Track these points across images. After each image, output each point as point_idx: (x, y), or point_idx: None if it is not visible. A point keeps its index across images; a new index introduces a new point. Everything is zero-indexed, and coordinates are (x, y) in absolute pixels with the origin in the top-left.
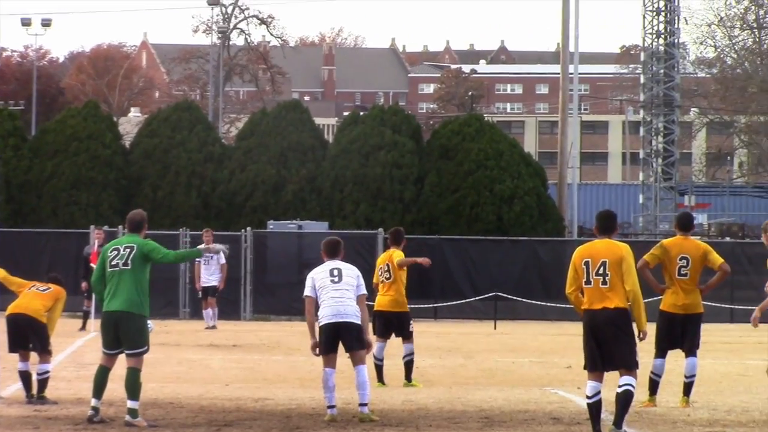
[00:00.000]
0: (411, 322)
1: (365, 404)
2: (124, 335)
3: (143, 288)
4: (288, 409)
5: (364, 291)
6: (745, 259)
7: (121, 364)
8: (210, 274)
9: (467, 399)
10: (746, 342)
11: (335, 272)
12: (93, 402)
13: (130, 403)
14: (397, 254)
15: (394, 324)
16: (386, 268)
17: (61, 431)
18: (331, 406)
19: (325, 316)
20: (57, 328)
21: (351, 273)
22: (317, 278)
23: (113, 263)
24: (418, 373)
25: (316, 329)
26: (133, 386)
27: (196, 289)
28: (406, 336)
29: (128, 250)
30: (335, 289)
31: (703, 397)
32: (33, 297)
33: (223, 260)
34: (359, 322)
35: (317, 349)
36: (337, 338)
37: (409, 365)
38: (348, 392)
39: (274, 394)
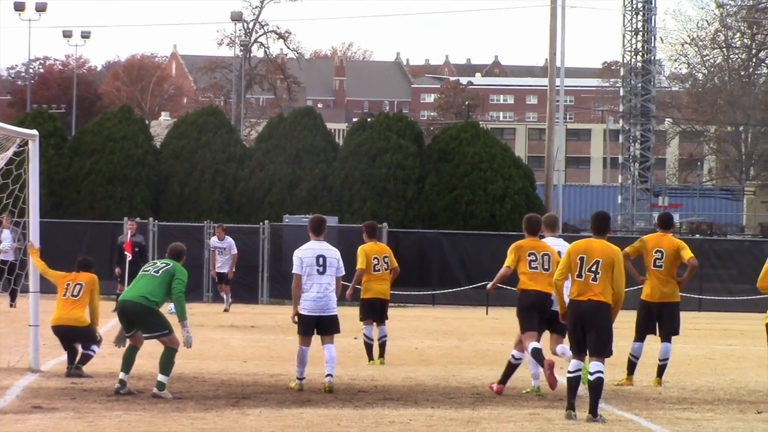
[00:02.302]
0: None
1: (331, 375)
2: (138, 323)
3: (160, 292)
4: (314, 386)
5: (343, 272)
6: (713, 254)
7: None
8: (223, 263)
9: (461, 377)
10: (713, 329)
11: (320, 260)
12: (121, 375)
13: (159, 377)
14: (391, 254)
15: (384, 310)
16: (384, 260)
17: (95, 401)
18: (301, 378)
19: (308, 307)
20: None
21: (332, 260)
22: (305, 260)
23: (145, 270)
24: (417, 354)
25: (300, 306)
26: (164, 362)
27: (212, 275)
28: (384, 320)
29: (164, 264)
30: (320, 282)
31: (673, 378)
32: (71, 307)
33: (234, 251)
34: (336, 313)
35: (295, 318)
36: (315, 326)
37: (384, 345)
38: (354, 369)
39: (287, 371)
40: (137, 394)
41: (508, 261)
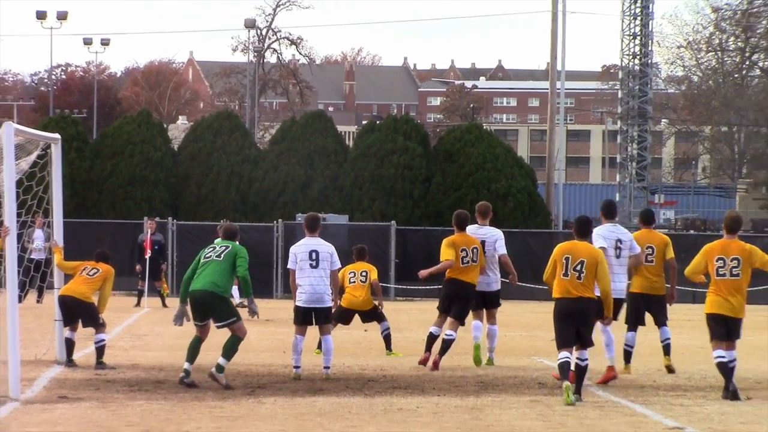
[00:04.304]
0: (380, 308)
1: (328, 367)
2: (212, 311)
3: (228, 276)
4: (312, 374)
5: (338, 266)
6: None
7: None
8: None
9: (466, 366)
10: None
11: (313, 255)
12: (185, 365)
13: (220, 359)
14: (374, 271)
15: (365, 316)
16: (363, 276)
17: (118, 391)
18: (297, 367)
19: (302, 299)
20: (115, 304)
21: (325, 255)
22: (299, 255)
23: (207, 256)
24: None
25: (297, 298)
26: (228, 348)
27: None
28: (380, 318)
29: (223, 248)
30: (312, 275)
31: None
32: (81, 282)
33: None
34: (330, 305)
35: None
36: (310, 317)
37: (387, 338)
38: (364, 360)
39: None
40: (197, 385)
41: (449, 255)
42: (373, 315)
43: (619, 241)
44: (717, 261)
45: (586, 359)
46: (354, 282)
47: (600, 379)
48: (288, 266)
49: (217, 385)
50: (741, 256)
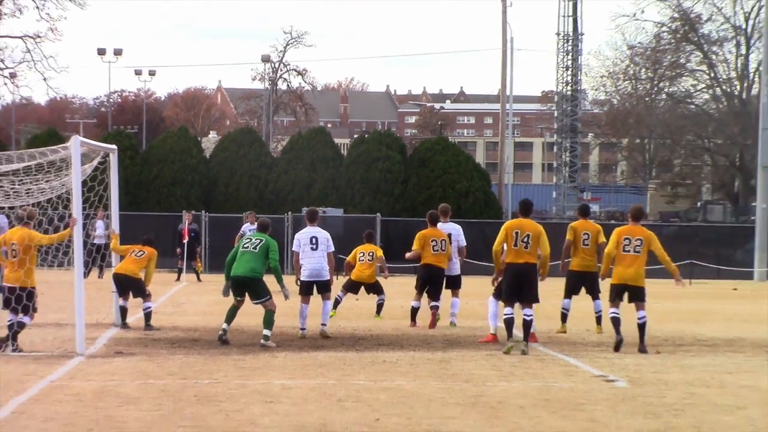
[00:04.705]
0: (385, 277)
1: (324, 324)
2: (250, 291)
3: (262, 264)
4: (316, 334)
5: (332, 248)
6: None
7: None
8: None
9: (435, 328)
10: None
11: (314, 240)
12: (224, 326)
13: (264, 331)
14: (379, 250)
15: (369, 288)
16: (370, 256)
17: (162, 348)
18: (303, 329)
19: (305, 275)
20: (160, 279)
21: (323, 239)
22: (302, 241)
23: (245, 247)
24: (403, 311)
25: (301, 275)
26: (267, 320)
27: None
28: (379, 291)
29: (258, 241)
30: (312, 256)
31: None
32: (131, 262)
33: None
34: (329, 277)
35: (298, 281)
36: (312, 288)
37: (380, 306)
38: (356, 323)
39: (307, 325)
40: (226, 341)
41: (416, 246)
42: (375, 287)
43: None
44: (624, 240)
45: (531, 315)
46: (363, 260)
47: (482, 339)
48: (293, 249)
49: (240, 342)
50: (643, 237)
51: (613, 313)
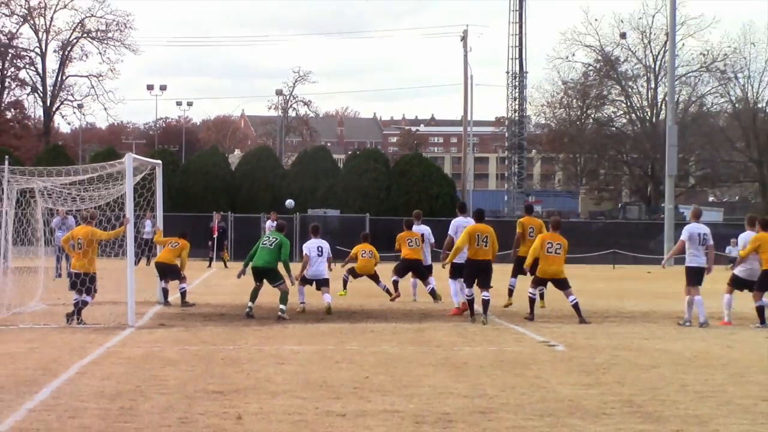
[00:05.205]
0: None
1: (329, 303)
2: (267, 278)
3: (276, 257)
4: (319, 310)
5: (330, 255)
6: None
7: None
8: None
9: (413, 305)
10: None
11: (320, 249)
12: (249, 304)
13: (281, 306)
14: (374, 250)
15: (370, 277)
16: (370, 253)
17: (197, 321)
18: (302, 303)
19: (310, 273)
20: (195, 266)
21: (326, 248)
22: (311, 249)
23: (264, 243)
24: (379, 291)
25: (305, 272)
26: (282, 299)
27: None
28: (378, 281)
29: (274, 239)
30: (318, 261)
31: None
32: (167, 251)
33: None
34: (327, 277)
35: (299, 277)
36: (312, 282)
37: (387, 290)
38: (349, 301)
39: (311, 304)
40: (253, 316)
41: (398, 245)
42: (375, 278)
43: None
44: (548, 244)
45: (488, 296)
46: (365, 256)
47: (450, 313)
48: (305, 253)
49: (258, 315)
50: (562, 243)
51: (531, 293)
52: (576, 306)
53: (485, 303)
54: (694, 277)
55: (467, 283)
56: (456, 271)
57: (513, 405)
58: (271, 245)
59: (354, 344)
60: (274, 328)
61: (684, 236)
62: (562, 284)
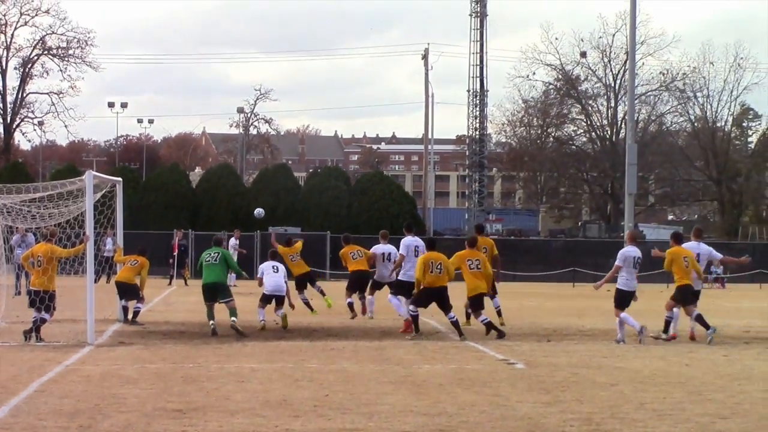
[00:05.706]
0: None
1: (282, 317)
2: (219, 294)
3: (224, 272)
4: (279, 328)
5: (285, 273)
6: (522, 247)
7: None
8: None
9: (373, 322)
10: (518, 293)
11: (275, 268)
12: (211, 323)
13: (231, 318)
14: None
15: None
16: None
17: (156, 339)
18: (263, 320)
19: (268, 290)
20: (155, 283)
21: (280, 268)
22: (265, 269)
23: (207, 260)
24: (340, 309)
25: (264, 289)
26: (232, 312)
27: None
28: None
29: (215, 253)
30: (274, 277)
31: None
32: (127, 270)
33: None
34: (284, 293)
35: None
36: (271, 300)
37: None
38: (310, 319)
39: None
40: (220, 334)
41: (343, 261)
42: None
43: (417, 247)
44: (468, 261)
45: (454, 316)
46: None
47: (401, 330)
48: (258, 276)
49: (221, 334)
50: (480, 259)
51: (484, 319)
52: (499, 311)
53: (454, 324)
54: (624, 300)
55: (423, 306)
56: (397, 288)
57: (472, 423)
58: (215, 260)
59: (314, 362)
60: (234, 346)
61: (619, 261)
62: (491, 295)
